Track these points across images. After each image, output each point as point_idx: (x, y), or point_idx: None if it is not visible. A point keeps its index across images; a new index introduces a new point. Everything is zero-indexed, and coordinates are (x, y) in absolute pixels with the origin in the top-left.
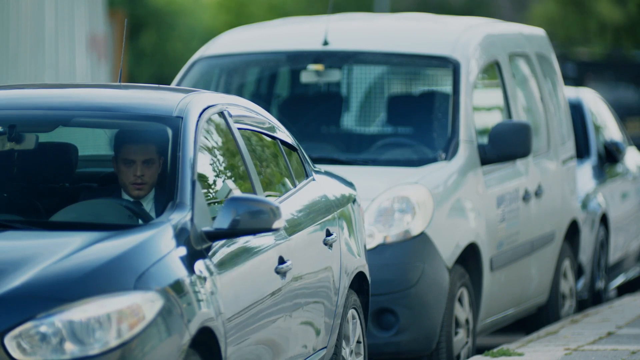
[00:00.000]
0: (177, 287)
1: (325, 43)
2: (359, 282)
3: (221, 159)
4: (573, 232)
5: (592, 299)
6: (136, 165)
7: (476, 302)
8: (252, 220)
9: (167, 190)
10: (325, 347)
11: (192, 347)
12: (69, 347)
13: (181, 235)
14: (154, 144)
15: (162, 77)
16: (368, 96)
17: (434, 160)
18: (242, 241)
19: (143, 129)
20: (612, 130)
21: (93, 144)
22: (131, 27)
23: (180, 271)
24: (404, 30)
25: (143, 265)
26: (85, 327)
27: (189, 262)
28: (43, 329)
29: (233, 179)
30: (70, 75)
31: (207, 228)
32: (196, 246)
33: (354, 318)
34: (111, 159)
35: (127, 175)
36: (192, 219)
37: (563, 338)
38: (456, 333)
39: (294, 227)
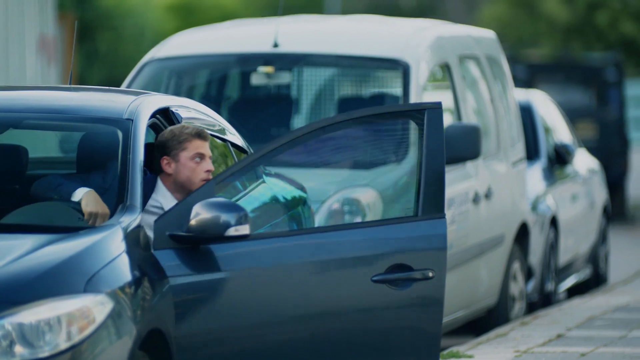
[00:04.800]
0: (127, 289)
1: (275, 45)
2: None
3: None
4: (523, 234)
5: (541, 301)
6: None
7: None
8: (217, 225)
9: (118, 192)
10: None
11: (142, 350)
12: (19, 349)
13: (132, 238)
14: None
15: (113, 80)
16: (318, 98)
17: (385, 162)
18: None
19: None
20: (562, 132)
21: (43, 146)
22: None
23: (130, 274)
24: (354, 33)
25: (93, 267)
26: (35, 330)
27: (139, 264)
28: None
29: None
30: (20, 78)
31: (175, 231)
32: (147, 250)
33: None
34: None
35: None
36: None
37: (513, 340)
38: None
39: None
